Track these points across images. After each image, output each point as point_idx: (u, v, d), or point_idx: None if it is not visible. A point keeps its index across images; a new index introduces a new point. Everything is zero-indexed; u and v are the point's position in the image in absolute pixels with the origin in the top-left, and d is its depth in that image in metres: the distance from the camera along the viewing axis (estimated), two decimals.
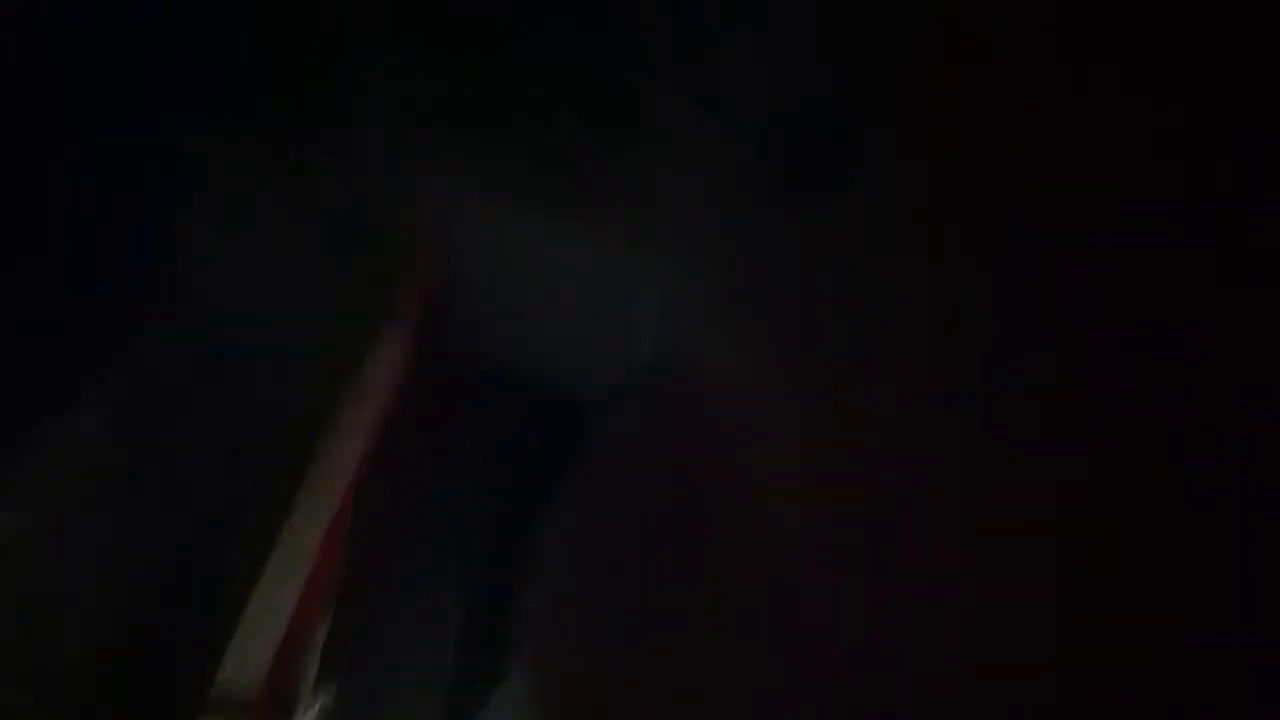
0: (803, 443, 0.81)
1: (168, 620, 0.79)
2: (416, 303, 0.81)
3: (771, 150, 0.82)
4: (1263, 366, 0.78)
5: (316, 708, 0.76)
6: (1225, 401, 0.78)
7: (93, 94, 0.82)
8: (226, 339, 0.81)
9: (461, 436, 0.83)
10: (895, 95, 0.82)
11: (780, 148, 0.82)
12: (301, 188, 0.82)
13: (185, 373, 0.81)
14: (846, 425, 0.81)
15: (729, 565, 0.80)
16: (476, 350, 0.82)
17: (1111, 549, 0.78)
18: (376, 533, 0.80)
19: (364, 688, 0.79)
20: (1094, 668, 0.77)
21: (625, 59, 0.83)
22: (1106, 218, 0.80)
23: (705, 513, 0.81)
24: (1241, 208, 0.79)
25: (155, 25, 0.82)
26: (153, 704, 0.79)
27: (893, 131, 0.82)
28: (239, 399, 0.80)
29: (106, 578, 0.79)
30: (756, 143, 0.82)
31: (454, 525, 0.82)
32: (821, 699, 0.78)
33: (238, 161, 0.82)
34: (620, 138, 0.83)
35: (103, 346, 0.81)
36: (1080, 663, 0.77)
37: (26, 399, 0.81)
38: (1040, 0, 0.80)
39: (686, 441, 0.82)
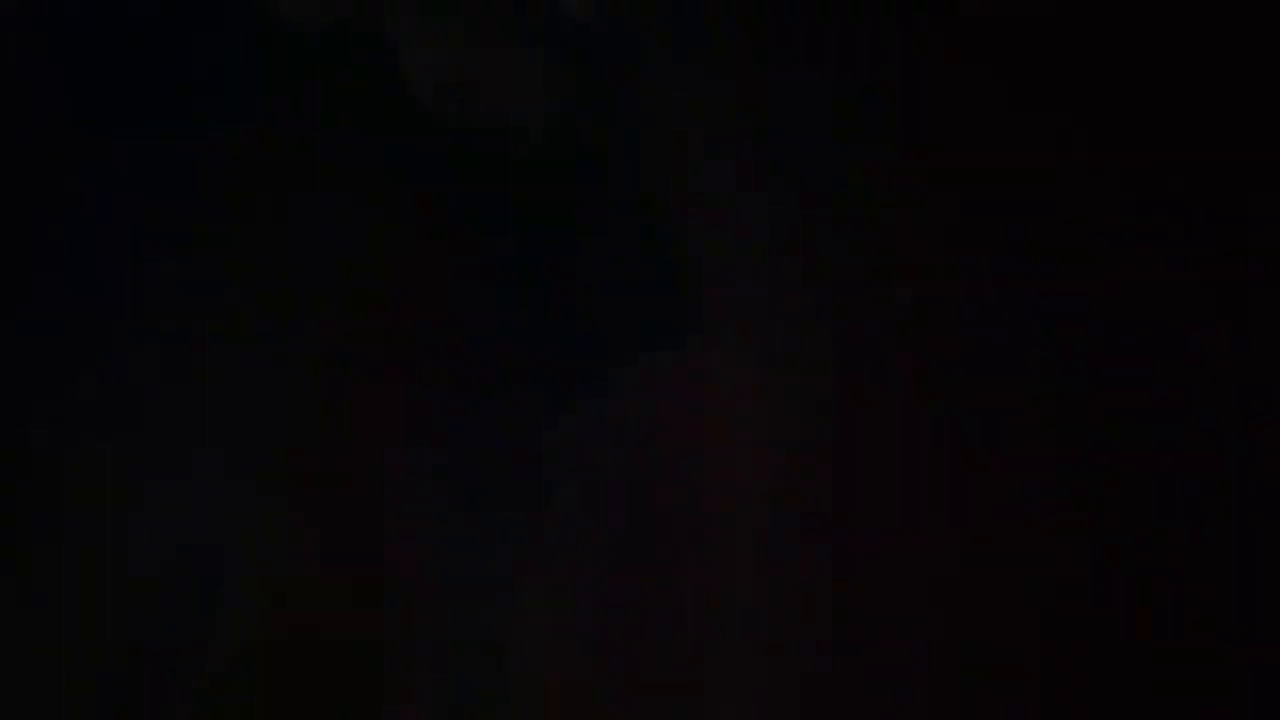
0: (798, 442, 0.81)
1: (168, 622, 0.79)
2: None
3: None
4: (1263, 366, 0.78)
5: None
6: (1225, 401, 0.78)
7: (93, 94, 0.82)
8: (228, 338, 0.81)
9: None
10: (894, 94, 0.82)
11: None
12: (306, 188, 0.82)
13: (186, 372, 0.81)
14: (843, 425, 0.81)
15: (726, 566, 0.80)
16: None
17: (1108, 549, 0.78)
18: None
19: None
20: (1089, 667, 0.77)
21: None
22: (1106, 216, 0.80)
23: (700, 514, 0.81)
24: (1240, 210, 0.79)
25: (156, 25, 0.82)
26: (152, 705, 0.79)
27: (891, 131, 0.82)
28: (241, 398, 0.81)
29: (106, 577, 0.79)
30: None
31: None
32: (815, 700, 0.78)
33: (238, 161, 0.82)
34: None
35: (102, 347, 0.81)
36: (1073, 662, 0.77)
37: (25, 400, 0.81)
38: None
39: (681, 442, 0.82)
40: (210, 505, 0.81)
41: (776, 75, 0.83)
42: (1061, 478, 0.79)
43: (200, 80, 0.82)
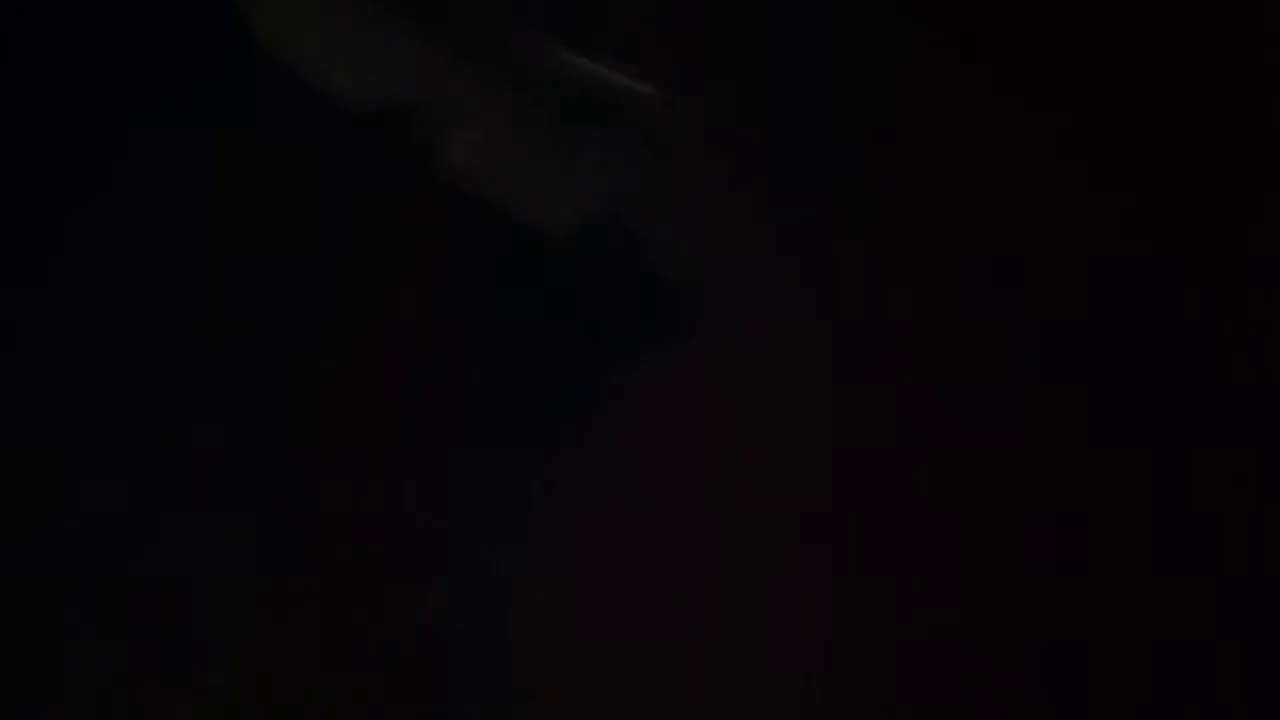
0: (801, 443, 0.81)
1: (171, 623, 0.79)
2: None
3: None
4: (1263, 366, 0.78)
5: None
6: (1225, 402, 0.78)
7: (93, 94, 0.82)
8: (229, 338, 0.81)
9: None
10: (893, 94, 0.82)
11: None
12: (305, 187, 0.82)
13: (187, 372, 0.81)
14: (845, 426, 0.81)
15: (730, 569, 0.80)
16: None
17: (1106, 551, 0.78)
18: None
19: None
20: (1090, 668, 0.77)
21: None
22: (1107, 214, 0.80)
23: (704, 517, 0.81)
24: (1242, 210, 0.79)
25: (156, 25, 0.82)
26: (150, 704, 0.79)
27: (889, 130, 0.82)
28: (244, 397, 0.81)
29: (110, 579, 0.79)
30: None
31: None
32: (818, 701, 0.78)
33: (238, 162, 0.82)
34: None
35: (102, 348, 0.81)
36: (1074, 664, 0.77)
37: (23, 400, 0.81)
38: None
39: (684, 444, 0.82)
40: (207, 513, 0.81)
41: (777, 74, 0.83)
42: (1063, 477, 0.79)
43: (202, 83, 0.82)
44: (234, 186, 0.82)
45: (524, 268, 0.83)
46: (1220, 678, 0.76)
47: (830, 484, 0.81)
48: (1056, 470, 0.79)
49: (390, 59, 0.81)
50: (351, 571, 0.80)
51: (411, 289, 0.83)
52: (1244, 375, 0.78)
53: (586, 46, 0.83)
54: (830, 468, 0.81)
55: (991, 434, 0.80)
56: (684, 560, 0.81)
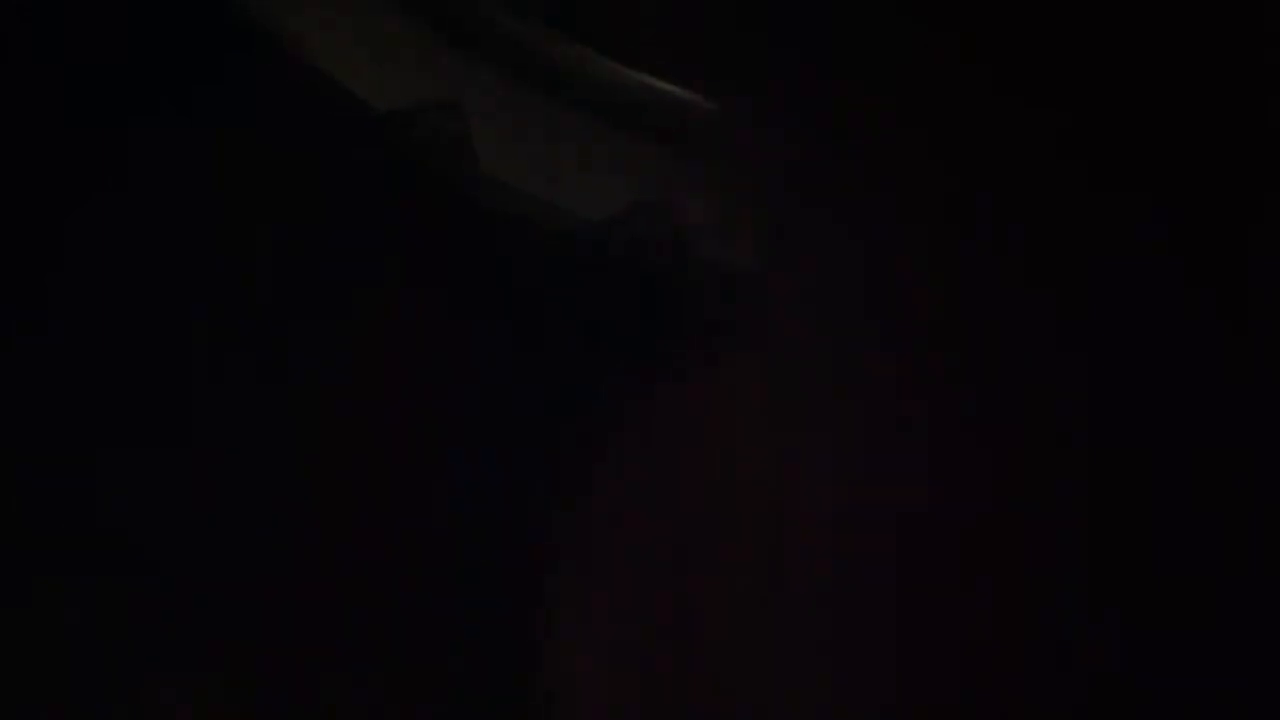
0: (810, 446, 0.81)
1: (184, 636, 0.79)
2: None
3: None
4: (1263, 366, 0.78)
5: None
6: (1227, 401, 0.78)
7: (93, 94, 0.82)
8: (229, 337, 0.81)
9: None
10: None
11: None
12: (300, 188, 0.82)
13: (187, 371, 0.81)
14: (852, 429, 0.81)
15: (730, 563, 0.80)
16: None
17: (1106, 552, 0.78)
18: None
19: None
20: (1082, 667, 0.77)
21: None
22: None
23: (713, 523, 0.81)
24: (1243, 210, 0.79)
25: (156, 25, 0.82)
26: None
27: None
28: (243, 396, 0.81)
29: (110, 578, 0.79)
30: None
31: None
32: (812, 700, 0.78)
33: (238, 162, 0.82)
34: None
35: (101, 349, 0.81)
36: (1066, 664, 0.77)
37: (23, 402, 0.81)
38: None
39: (694, 448, 0.82)
40: (206, 512, 0.81)
41: (777, 75, 0.83)
42: (1062, 478, 0.79)
43: (202, 83, 0.82)
44: (234, 186, 0.82)
45: (524, 268, 0.83)
46: (1220, 677, 0.76)
47: (831, 485, 0.81)
48: (1056, 470, 0.79)
49: (414, 59, 0.81)
50: (352, 571, 0.80)
51: (412, 289, 0.83)
52: (1244, 375, 0.78)
53: (596, 45, 0.83)
54: (831, 469, 0.81)
55: (992, 434, 0.80)
56: (685, 561, 0.81)
